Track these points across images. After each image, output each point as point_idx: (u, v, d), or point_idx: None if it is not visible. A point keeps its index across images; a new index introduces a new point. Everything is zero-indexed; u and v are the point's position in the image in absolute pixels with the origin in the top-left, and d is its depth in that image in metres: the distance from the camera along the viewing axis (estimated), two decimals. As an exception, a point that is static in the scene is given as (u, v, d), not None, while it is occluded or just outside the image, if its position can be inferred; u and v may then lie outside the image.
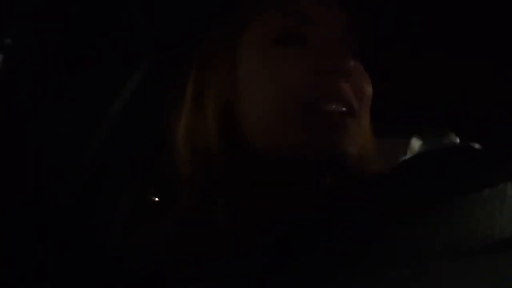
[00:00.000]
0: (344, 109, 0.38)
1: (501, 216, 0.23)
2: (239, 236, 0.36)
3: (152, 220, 0.57)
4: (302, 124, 0.38)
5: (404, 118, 0.80)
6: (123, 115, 0.61)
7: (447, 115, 0.56)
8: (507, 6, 0.52)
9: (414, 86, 0.70)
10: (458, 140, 0.64)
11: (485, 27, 0.56)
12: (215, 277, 0.30)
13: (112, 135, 0.61)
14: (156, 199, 0.73)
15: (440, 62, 0.64)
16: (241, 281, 0.28)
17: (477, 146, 0.33)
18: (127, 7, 0.55)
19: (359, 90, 0.39)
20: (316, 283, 0.25)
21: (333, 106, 0.37)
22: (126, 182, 0.68)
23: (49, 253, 0.49)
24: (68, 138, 0.53)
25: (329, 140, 0.38)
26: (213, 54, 0.44)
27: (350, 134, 0.38)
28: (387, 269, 0.24)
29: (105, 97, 0.60)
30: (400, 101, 0.75)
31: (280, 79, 0.38)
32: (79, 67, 0.52)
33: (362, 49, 0.42)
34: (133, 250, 0.47)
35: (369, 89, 0.41)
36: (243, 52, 0.41)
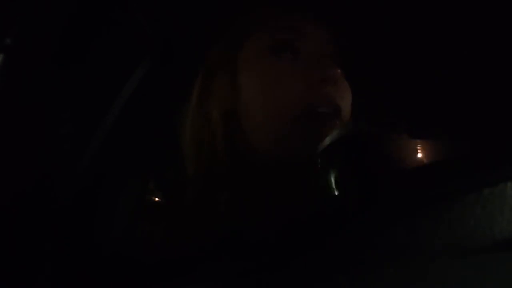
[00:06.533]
0: (332, 111, 0.42)
1: (501, 216, 0.23)
2: (241, 234, 0.37)
3: (153, 219, 0.57)
4: (298, 127, 0.41)
5: (402, 118, 0.80)
6: (123, 114, 0.61)
7: (446, 115, 0.56)
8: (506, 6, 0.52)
9: (412, 85, 0.70)
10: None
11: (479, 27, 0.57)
12: (215, 276, 0.30)
13: (113, 135, 0.61)
14: (156, 198, 0.73)
15: (439, 61, 0.64)
16: (240, 280, 0.28)
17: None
18: (128, 8, 0.55)
19: (342, 95, 0.44)
20: (316, 283, 0.26)
21: (324, 109, 0.42)
22: (126, 181, 0.68)
23: (49, 251, 0.49)
24: (68, 138, 0.53)
25: (321, 140, 0.40)
26: (215, 65, 0.48)
27: None
28: (387, 269, 0.24)
29: (105, 97, 0.60)
30: (397, 100, 0.75)
31: (277, 89, 0.42)
32: (80, 67, 0.52)
33: (353, 52, 0.46)
34: (133, 249, 0.47)
35: (349, 94, 0.46)
36: (243, 64, 0.46)
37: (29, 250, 0.47)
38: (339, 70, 0.43)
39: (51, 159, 0.50)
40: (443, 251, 0.24)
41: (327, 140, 0.37)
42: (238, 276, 0.28)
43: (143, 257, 0.42)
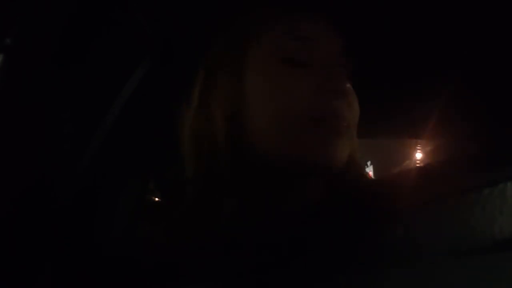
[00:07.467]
0: (342, 124, 0.42)
1: (501, 216, 0.23)
2: (241, 235, 0.37)
3: (153, 219, 0.57)
4: (305, 135, 0.41)
5: (403, 119, 0.80)
6: (123, 114, 0.61)
7: (447, 116, 0.56)
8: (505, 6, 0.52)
9: (413, 87, 0.70)
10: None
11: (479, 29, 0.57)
12: (215, 276, 0.30)
13: (113, 135, 0.61)
14: (156, 199, 0.73)
15: (440, 63, 0.64)
16: (240, 280, 0.28)
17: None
18: (128, 8, 0.55)
19: (351, 108, 0.44)
20: (316, 283, 0.26)
21: (334, 121, 0.41)
22: (126, 181, 0.68)
23: (49, 251, 0.49)
24: (68, 138, 0.53)
25: (328, 151, 0.41)
26: (216, 65, 0.47)
27: (344, 145, 0.42)
28: (388, 269, 0.24)
29: (105, 97, 0.60)
30: (399, 101, 0.75)
31: (286, 96, 0.42)
32: (80, 67, 0.52)
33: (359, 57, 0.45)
34: (133, 249, 0.47)
35: (357, 105, 0.45)
36: (250, 66, 0.44)
37: (29, 250, 0.47)
38: (349, 85, 0.44)
39: (51, 159, 0.50)
40: (443, 251, 0.24)
41: None
42: (238, 276, 0.28)
43: (143, 257, 0.42)
